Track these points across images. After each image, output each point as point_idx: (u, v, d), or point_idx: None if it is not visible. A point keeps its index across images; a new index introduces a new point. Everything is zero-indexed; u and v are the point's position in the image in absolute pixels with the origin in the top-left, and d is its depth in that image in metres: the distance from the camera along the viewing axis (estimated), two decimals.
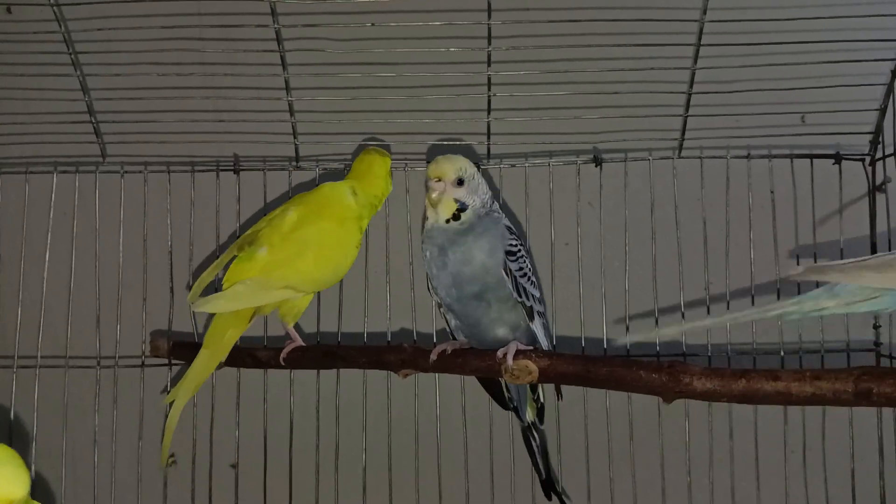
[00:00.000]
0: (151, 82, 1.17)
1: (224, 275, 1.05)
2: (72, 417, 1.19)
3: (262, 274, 1.02)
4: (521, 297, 1.03)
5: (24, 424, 1.16)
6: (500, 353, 1.00)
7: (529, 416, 1.11)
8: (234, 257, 1.06)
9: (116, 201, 1.19)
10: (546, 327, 1.08)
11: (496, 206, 1.07)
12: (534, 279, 1.06)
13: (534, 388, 1.10)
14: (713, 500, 1.16)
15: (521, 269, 1.03)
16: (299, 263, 1.03)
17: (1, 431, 1.16)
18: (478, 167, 1.10)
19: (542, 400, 1.11)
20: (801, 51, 1.08)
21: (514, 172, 1.20)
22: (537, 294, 1.06)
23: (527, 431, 1.12)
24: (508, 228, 1.05)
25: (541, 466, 1.13)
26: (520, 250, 1.04)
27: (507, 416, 1.16)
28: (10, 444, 0.86)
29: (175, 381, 1.18)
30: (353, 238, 1.08)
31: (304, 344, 1.10)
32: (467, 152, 1.17)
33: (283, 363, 1.10)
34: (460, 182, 1.03)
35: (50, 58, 1.15)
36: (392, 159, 1.14)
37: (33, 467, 1.14)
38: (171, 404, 1.05)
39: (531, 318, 1.04)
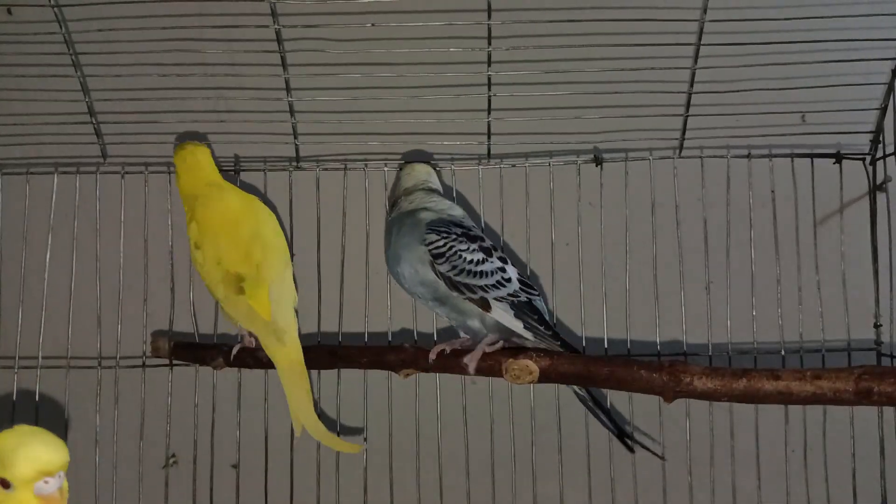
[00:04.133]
0: (152, 83, 1.17)
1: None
2: (73, 418, 1.19)
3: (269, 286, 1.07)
4: (464, 293, 1.02)
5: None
6: (464, 361, 1.03)
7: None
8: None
9: (117, 202, 1.19)
10: (521, 305, 1.04)
11: (428, 202, 1.09)
12: (481, 268, 1.03)
13: None
14: (714, 500, 1.16)
15: (454, 267, 1.03)
16: (265, 253, 1.09)
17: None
18: (438, 171, 1.18)
19: None
20: (801, 50, 1.08)
21: (514, 172, 1.20)
22: (490, 281, 1.03)
23: (581, 400, 1.11)
24: (434, 228, 1.05)
25: (609, 425, 1.11)
26: (449, 248, 1.03)
27: (508, 417, 1.16)
28: None
29: (175, 382, 1.18)
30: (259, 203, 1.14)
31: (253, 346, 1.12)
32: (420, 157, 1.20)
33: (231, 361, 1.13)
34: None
35: (51, 59, 1.15)
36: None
37: None
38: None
39: (487, 308, 1.03)
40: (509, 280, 1.05)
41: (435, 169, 1.17)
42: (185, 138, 1.19)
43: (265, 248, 1.09)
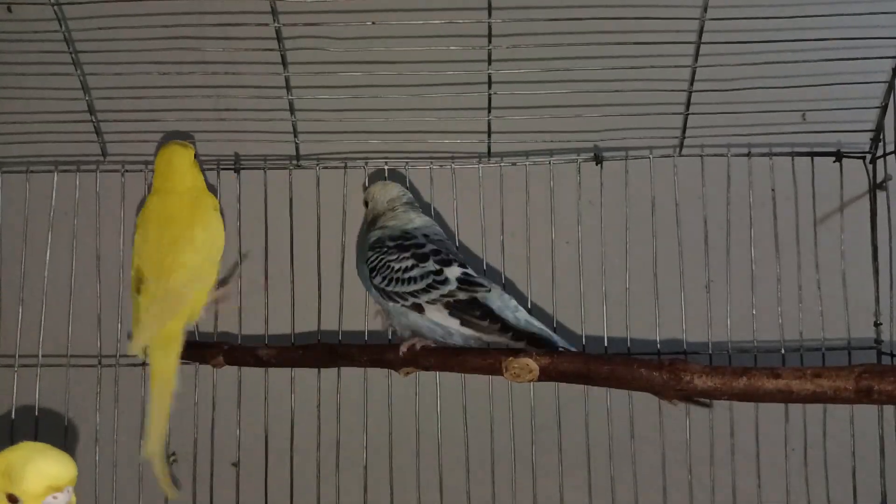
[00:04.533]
0: (152, 81, 1.17)
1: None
2: (73, 416, 1.19)
3: (158, 292, 1.05)
4: (397, 301, 1.06)
5: (25, 423, 1.16)
6: (402, 349, 1.06)
7: None
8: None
9: (117, 200, 1.19)
10: (459, 304, 1.04)
11: (389, 221, 1.11)
12: (409, 274, 1.05)
13: None
14: (714, 499, 1.16)
15: (384, 278, 1.06)
16: (176, 258, 1.06)
17: (2, 431, 1.16)
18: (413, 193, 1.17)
19: None
20: (801, 48, 1.08)
21: (514, 171, 1.20)
22: (420, 286, 1.04)
23: None
24: (372, 246, 1.09)
25: None
26: (379, 261, 1.07)
27: (508, 415, 1.16)
28: (12, 444, 0.87)
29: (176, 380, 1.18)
30: (210, 215, 1.11)
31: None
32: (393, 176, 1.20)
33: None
34: (366, 204, 1.16)
35: (50, 57, 1.15)
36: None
37: None
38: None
39: (421, 311, 1.05)
40: (444, 281, 1.05)
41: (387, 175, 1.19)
42: (170, 138, 1.19)
43: (188, 258, 1.07)
